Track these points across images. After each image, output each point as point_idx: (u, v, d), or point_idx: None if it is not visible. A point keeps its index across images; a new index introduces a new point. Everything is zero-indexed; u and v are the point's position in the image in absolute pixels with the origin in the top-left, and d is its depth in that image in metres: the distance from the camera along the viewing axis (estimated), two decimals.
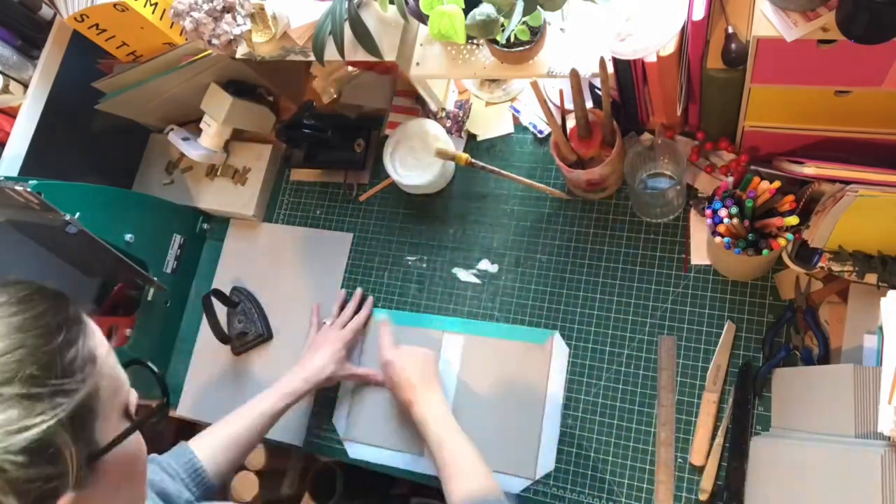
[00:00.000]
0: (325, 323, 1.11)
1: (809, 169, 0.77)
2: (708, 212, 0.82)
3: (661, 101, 0.94)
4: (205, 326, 1.20)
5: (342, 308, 1.12)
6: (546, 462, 0.95)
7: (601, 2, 0.82)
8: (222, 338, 1.15)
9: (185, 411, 1.17)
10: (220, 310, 1.17)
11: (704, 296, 0.95)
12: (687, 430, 0.90)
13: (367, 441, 1.05)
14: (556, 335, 1.00)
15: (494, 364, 1.02)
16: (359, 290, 1.13)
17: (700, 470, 0.88)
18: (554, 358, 0.99)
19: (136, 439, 0.52)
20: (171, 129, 1.25)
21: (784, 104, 0.81)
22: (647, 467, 0.91)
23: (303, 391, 0.98)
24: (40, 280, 0.49)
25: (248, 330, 1.16)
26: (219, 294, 1.15)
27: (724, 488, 0.86)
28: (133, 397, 0.52)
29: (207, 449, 0.89)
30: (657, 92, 0.92)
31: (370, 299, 1.12)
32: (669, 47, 0.81)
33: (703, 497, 0.86)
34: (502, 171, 1.03)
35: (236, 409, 0.95)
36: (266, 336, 1.16)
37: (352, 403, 1.08)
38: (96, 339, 0.49)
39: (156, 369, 0.58)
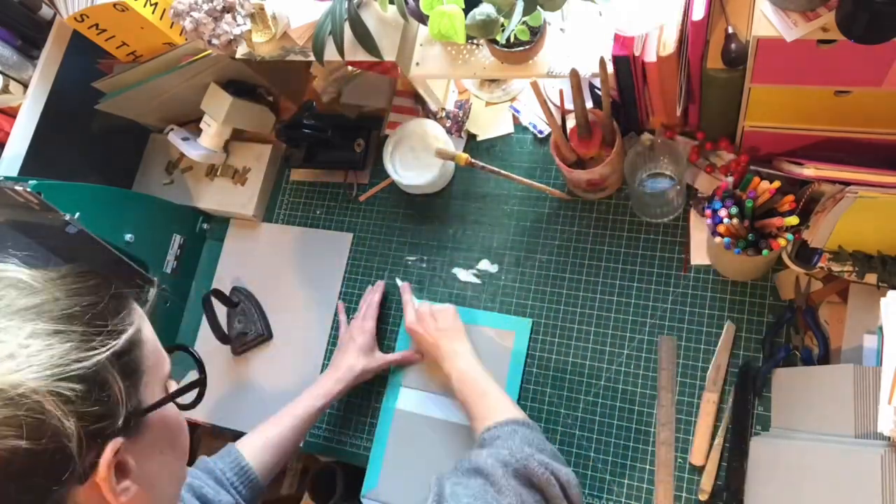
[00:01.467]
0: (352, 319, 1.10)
1: (809, 170, 0.77)
2: (708, 212, 0.82)
3: (661, 101, 0.94)
4: (205, 326, 1.20)
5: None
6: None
7: (601, 1, 0.82)
8: (222, 338, 1.15)
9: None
10: (220, 310, 1.17)
11: (704, 296, 0.95)
12: (687, 430, 0.90)
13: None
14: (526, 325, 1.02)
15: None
16: (379, 283, 1.12)
17: (700, 470, 0.88)
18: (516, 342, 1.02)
19: (177, 412, 0.57)
20: (171, 129, 1.25)
21: (784, 104, 0.81)
22: (647, 467, 0.91)
23: (336, 392, 0.99)
24: None
25: (247, 330, 1.16)
26: (219, 294, 1.15)
27: (723, 488, 0.86)
28: (172, 382, 0.58)
29: (253, 450, 0.91)
30: (657, 92, 0.92)
31: (379, 283, 1.12)
32: (669, 47, 0.81)
33: (702, 497, 0.87)
34: (502, 171, 1.03)
35: (276, 414, 0.96)
36: (266, 336, 1.16)
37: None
38: (140, 314, 0.57)
39: (197, 354, 0.65)
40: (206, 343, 1.20)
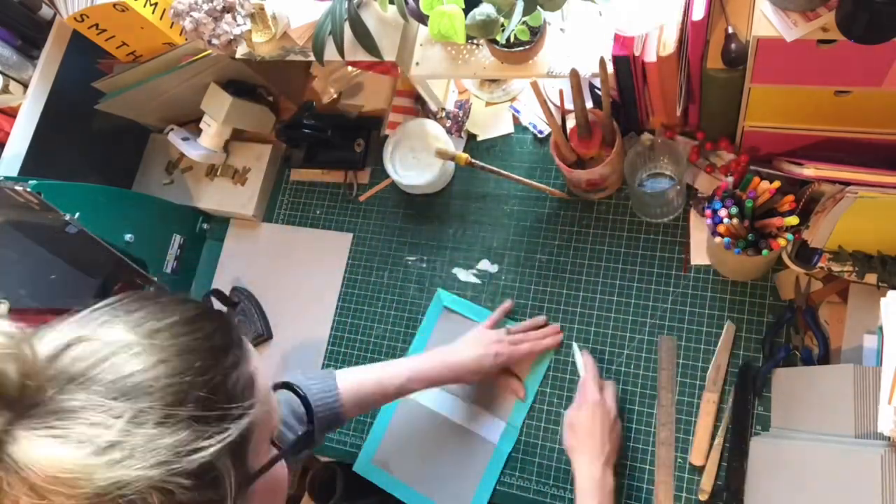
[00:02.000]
0: (507, 327, 1.00)
1: (809, 170, 0.77)
2: (708, 212, 0.82)
3: (661, 101, 0.94)
4: None
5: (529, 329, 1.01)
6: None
7: (601, 1, 0.82)
8: None
9: None
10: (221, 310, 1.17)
11: (704, 296, 0.95)
12: (687, 430, 0.90)
13: (392, 471, 1.02)
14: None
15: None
16: (552, 326, 1.00)
17: (700, 470, 0.88)
18: None
19: (281, 465, 0.51)
20: (171, 129, 1.25)
21: (784, 104, 0.81)
22: (647, 467, 0.91)
23: (442, 379, 0.92)
24: (165, 297, 0.48)
25: (248, 330, 1.16)
26: (218, 294, 1.15)
27: (723, 488, 0.86)
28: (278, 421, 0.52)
29: (350, 384, 0.87)
30: (657, 92, 0.92)
31: (557, 336, 0.99)
32: (669, 47, 0.81)
33: (702, 497, 0.86)
34: (502, 171, 1.03)
35: (382, 366, 0.91)
36: (266, 336, 1.16)
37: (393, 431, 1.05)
38: (255, 363, 0.49)
39: (303, 393, 0.59)
40: None
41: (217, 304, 1.15)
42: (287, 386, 0.59)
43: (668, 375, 0.93)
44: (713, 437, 0.88)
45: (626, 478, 0.91)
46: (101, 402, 0.39)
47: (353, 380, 0.88)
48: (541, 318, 1.01)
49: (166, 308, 0.45)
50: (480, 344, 0.94)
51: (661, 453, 0.90)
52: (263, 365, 0.50)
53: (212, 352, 0.44)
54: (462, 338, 0.97)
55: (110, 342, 0.42)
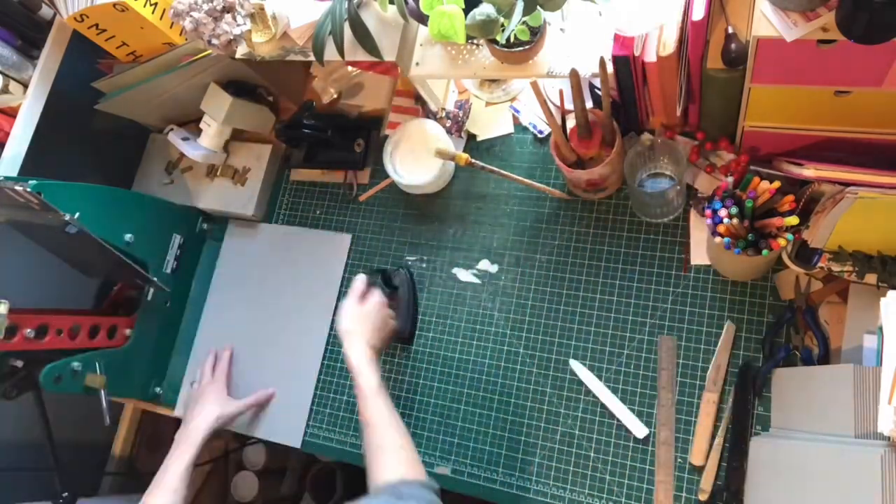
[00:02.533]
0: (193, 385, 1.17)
1: (809, 171, 0.77)
2: (708, 212, 0.82)
3: (661, 101, 0.94)
4: (204, 326, 1.21)
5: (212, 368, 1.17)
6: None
7: (601, 1, 0.82)
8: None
9: (183, 411, 1.17)
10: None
11: (704, 296, 0.95)
12: (687, 430, 0.90)
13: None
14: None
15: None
16: (214, 353, 1.18)
17: (700, 470, 0.88)
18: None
19: None
20: (171, 129, 1.25)
21: (784, 104, 0.81)
22: (647, 467, 0.91)
23: (199, 439, 1.02)
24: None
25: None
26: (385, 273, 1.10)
27: (723, 488, 0.86)
28: None
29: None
30: (657, 92, 0.92)
31: (226, 352, 1.17)
32: (669, 47, 0.81)
33: (702, 497, 0.87)
34: (502, 171, 1.04)
35: (159, 481, 0.97)
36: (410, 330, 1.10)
37: None
38: None
39: None
40: (204, 343, 1.20)
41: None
42: None
43: (669, 375, 0.93)
44: (713, 437, 0.88)
45: (626, 478, 0.91)
46: None
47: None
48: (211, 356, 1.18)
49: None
50: (194, 400, 1.11)
51: (660, 453, 0.90)
52: None
53: None
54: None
55: None
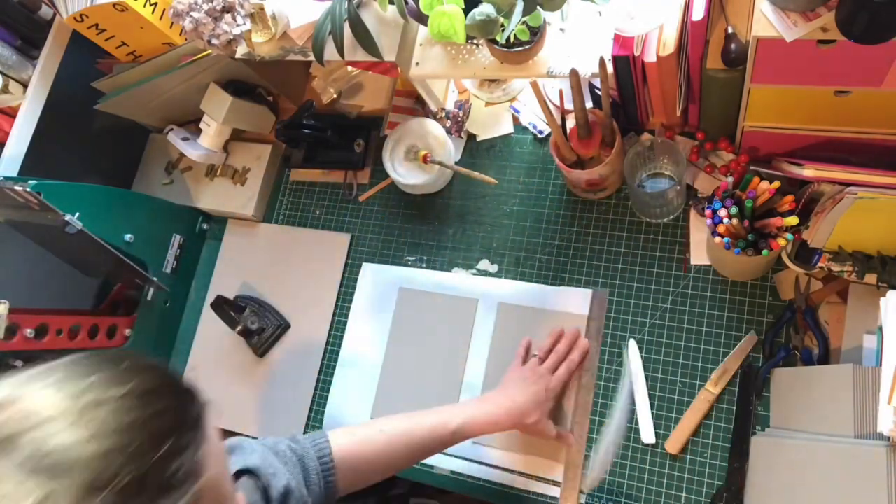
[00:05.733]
0: (534, 357, 0.95)
1: (808, 171, 0.77)
2: (708, 212, 0.82)
3: (661, 101, 0.94)
4: (203, 326, 1.21)
5: (553, 345, 0.96)
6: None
7: (601, 1, 0.82)
8: (245, 332, 1.14)
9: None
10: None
11: (704, 296, 0.95)
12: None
13: None
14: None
15: (526, 332, 1.00)
16: (571, 331, 0.96)
17: (674, 458, 0.89)
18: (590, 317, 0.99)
19: None
20: (171, 129, 1.25)
21: (784, 104, 0.81)
22: (648, 467, 0.91)
23: (500, 426, 0.85)
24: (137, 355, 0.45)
25: (265, 325, 1.15)
26: (223, 301, 1.14)
27: (724, 489, 0.86)
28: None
29: (351, 445, 0.79)
30: (657, 92, 0.92)
31: (583, 343, 0.96)
32: (669, 47, 0.81)
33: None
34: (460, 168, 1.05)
35: (394, 430, 0.82)
36: (285, 326, 1.15)
37: None
38: (209, 448, 0.44)
39: (265, 484, 0.55)
40: (205, 343, 1.20)
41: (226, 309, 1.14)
42: (249, 472, 0.54)
43: (597, 326, 0.97)
44: (695, 434, 0.89)
45: (626, 478, 0.91)
46: (15, 474, 0.36)
47: (356, 440, 0.79)
48: (557, 330, 0.97)
49: (122, 376, 0.42)
50: (527, 382, 0.89)
51: (580, 397, 0.94)
52: (220, 449, 0.47)
53: (155, 433, 0.41)
54: (502, 385, 0.91)
55: (44, 409, 0.39)
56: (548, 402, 0.89)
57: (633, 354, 0.95)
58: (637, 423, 0.92)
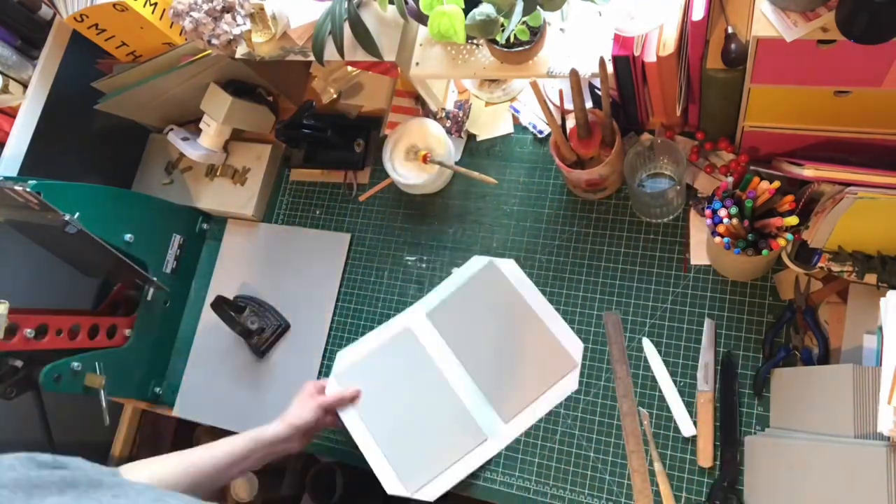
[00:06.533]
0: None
1: (808, 171, 0.77)
2: (707, 212, 0.82)
3: (661, 101, 0.94)
4: (203, 326, 1.21)
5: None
6: (576, 348, 0.98)
7: (601, 1, 0.82)
8: (245, 332, 1.14)
9: (183, 411, 1.17)
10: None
11: (704, 296, 0.95)
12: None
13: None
14: (493, 259, 1.05)
15: (468, 315, 1.03)
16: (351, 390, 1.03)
17: (709, 472, 0.88)
18: (508, 277, 1.04)
19: None
20: (171, 129, 1.25)
21: (784, 104, 0.81)
22: (647, 467, 0.91)
23: (280, 434, 0.94)
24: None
25: (264, 325, 1.15)
26: (223, 301, 1.14)
27: (720, 479, 0.86)
28: None
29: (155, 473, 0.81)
30: (657, 92, 0.92)
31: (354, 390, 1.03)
32: (669, 47, 0.81)
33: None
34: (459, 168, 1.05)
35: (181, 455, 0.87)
36: (285, 326, 1.15)
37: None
38: None
39: None
40: (204, 342, 1.20)
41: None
42: None
43: (619, 349, 0.96)
44: (715, 436, 0.88)
45: (626, 478, 0.91)
46: None
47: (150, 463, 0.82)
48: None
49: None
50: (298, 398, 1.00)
51: (626, 424, 0.92)
52: None
53: None
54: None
55: None
56: (321, 405, 0.98)
57: (649, 352, 0.95)
58: (674, 420, 0.91)
